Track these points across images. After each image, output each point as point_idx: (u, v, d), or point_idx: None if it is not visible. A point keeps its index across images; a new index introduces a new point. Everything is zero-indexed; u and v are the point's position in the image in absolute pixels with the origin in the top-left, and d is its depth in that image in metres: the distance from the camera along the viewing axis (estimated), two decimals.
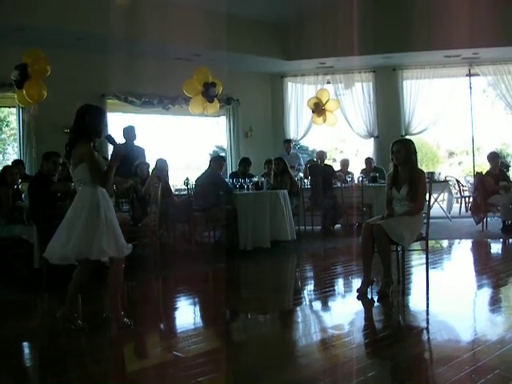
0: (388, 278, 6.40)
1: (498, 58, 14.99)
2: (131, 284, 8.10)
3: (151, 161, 10.83)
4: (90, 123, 5.47)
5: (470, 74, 15.81)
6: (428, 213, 6.63)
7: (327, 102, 14.88)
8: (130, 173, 10.24)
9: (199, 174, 10.82)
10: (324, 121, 14.97)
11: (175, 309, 6.65)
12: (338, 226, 13.19)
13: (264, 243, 10.11)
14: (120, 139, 12.00)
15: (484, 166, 14.06)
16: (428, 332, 5.35)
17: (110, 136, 5.68)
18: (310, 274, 9.04)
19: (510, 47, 13.69)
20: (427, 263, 6.51)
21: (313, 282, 8.39)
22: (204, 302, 7.10)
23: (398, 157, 6.60)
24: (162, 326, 5.97)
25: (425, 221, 6.58)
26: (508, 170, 13.39)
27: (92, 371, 4.49)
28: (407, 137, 15.35)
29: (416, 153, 6.65)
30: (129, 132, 11.86)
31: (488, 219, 12.16)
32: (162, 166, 10.23)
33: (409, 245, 6.58)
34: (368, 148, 16.59)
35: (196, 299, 7.23)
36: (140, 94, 13.66)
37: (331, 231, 12.76)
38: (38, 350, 5.21)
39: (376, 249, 6.40)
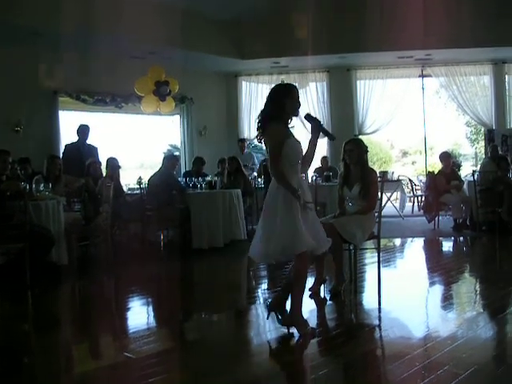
0: (340, 277, 6.44)
1: (449, 60, 15.21)
2: (83, 284, 8.03)
3: (104, 160, 10.74)
4: (288, 103, 5.02)
5: (422, 75, 16.01)
6: (380, 211, 6.67)
7: None
8: (82, 172, 10.13)
9: (153, 173, 10.75)
10: None
11: (128, 309, 6.58)
12: None
13: (217, 242, 10.07)
14: (73, 137, 11.92)
15: (436, 166, 14.27)
16: (380, 329, 5.40)
17: (308, 114, 5.27)
18: (264, 273, 9.02)
19: (461, 49, 13.90)
20: (379, 261, 6.54)
21: (266, 280, 8.39)
22: (157, 301, 7.05)
23: (351, 156, 6.64)
24: (114, 326, 5.89)
25: (377, 220, 6.62)
26: (459, 170, 13.64)
27: (40, 372, 4.42)
28: (360, 136, 15.49)
29: (367, 152, 6.72)
30: (83, 130, 11.76)
31: (440, 218, 12.36)
32: (113, 165, 10.14)
33: (361, 243, 6.61)
34: (322, 147, 16.65)
35: (149, 299, 7.17)
36: (93, 91, 13.47)
37: None
38: None
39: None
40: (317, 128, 5.15)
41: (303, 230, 4.83)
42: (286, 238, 4.82)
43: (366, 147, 6.72)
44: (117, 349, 5.06)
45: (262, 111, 5.09)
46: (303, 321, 5.00)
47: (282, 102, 4.99)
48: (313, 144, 5.17)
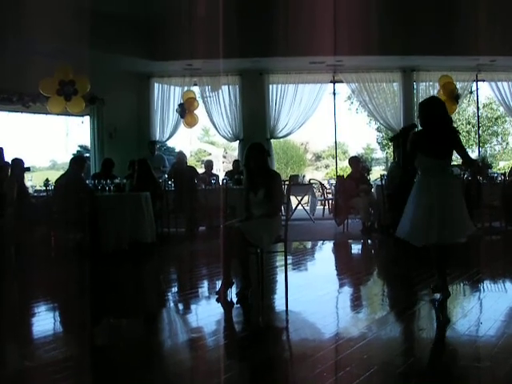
0: (246, 280, 6.41)
1: (360, 66, 15.46)
2: None
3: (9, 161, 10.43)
4: None
5: (334, 81, 16.21)
6: (287, 215, 6.73)
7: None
8: None
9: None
10: (195, 121, 15.06)
11: (32, 315, 6.36)
12: (202, 228, 13.13)
13: (125, 246, 9.90)
14: None
15: (348, 170, 14.52)
16: (287, 332, 5.42)
17: None
18: (173, 276, 8.98)
19: (372, 56, 14.15)
20: (286, 264, 6.54)
21: (175, 284, 8.35)
22: (64, 307, 6.83)
23: (257, 161, 6.63)
24: (16, 334, 5.68)
25: (283, 223, 6.64)
26: (369, 174, 13.85)
27: None
28: (272, 140, 15.71)
29: (269, 156, 6.76)
30: None
31: (349, 221, 12.54)
32: (18, 166, 9.85)
33: (267, 246, 6.61)
34: (236, 150, 16.70)
35: (55, 304, 6.96)
36: None
37: (195, 233, 12.69)
38: None
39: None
40: None
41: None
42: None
43: (269, 151, 6.77)
44: (22, 357, 4.86)
45: None
46: None
47: None
48: None
